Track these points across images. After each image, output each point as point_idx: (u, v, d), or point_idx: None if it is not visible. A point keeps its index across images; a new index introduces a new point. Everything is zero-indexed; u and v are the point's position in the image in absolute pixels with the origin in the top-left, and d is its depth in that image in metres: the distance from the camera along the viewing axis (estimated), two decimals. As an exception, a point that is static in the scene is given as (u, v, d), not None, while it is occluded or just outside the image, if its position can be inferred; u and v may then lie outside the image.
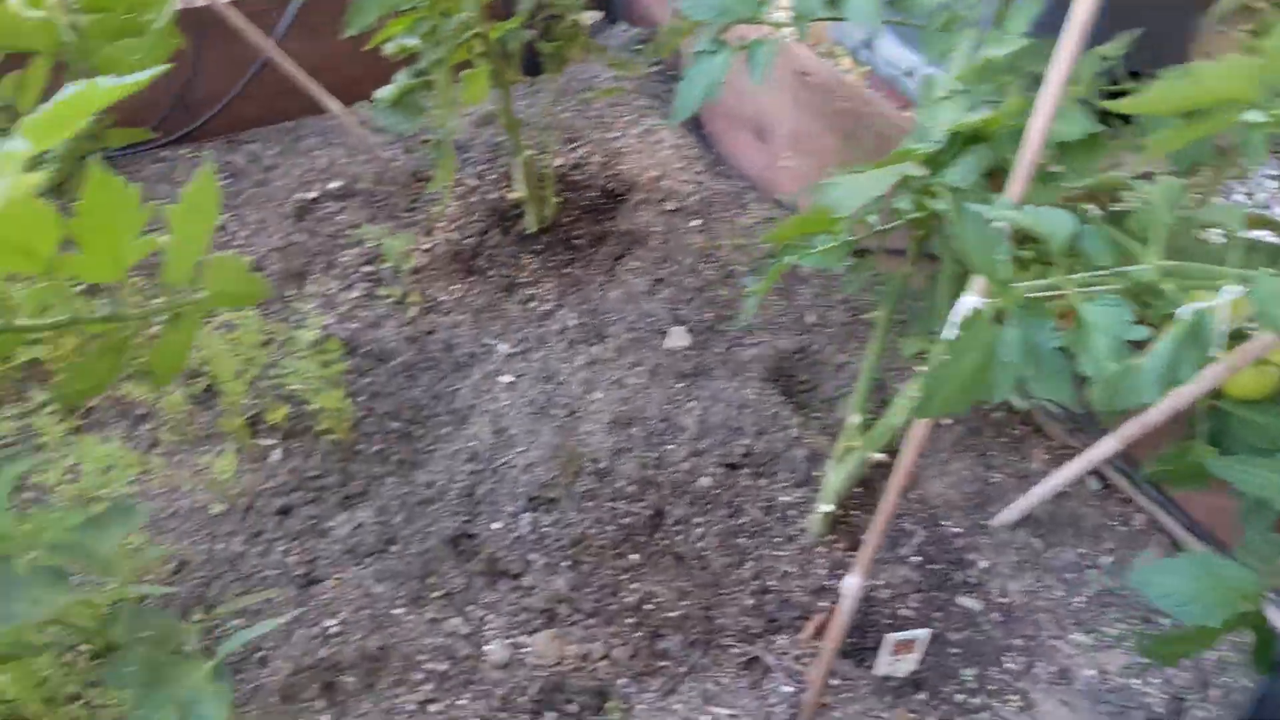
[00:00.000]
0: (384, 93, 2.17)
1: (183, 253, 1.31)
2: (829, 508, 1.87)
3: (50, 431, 1.91)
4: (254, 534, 1.92)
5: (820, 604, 1.82)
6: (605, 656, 1.74)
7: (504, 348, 2.30)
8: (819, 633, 1.75)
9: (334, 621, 1.76)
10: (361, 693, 1.67)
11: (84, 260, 1.22)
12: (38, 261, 1.04)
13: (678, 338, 2.29)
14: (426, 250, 2.53)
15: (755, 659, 1.74)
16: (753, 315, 2.00)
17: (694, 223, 2.58)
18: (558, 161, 2.76)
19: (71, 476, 1.84)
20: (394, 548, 1.89)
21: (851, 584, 1.47)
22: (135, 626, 1.14)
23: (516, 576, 1.87)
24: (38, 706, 1.42)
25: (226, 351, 1.99)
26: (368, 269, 2.49)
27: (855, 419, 1.81)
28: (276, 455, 2.06)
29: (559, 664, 1.73)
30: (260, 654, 1.72)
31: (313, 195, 2.71)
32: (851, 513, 1.97)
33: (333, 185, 2.73)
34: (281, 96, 2.78)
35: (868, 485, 2.01)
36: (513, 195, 2.60)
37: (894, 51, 2.38)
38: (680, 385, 2.20)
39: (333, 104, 2.63)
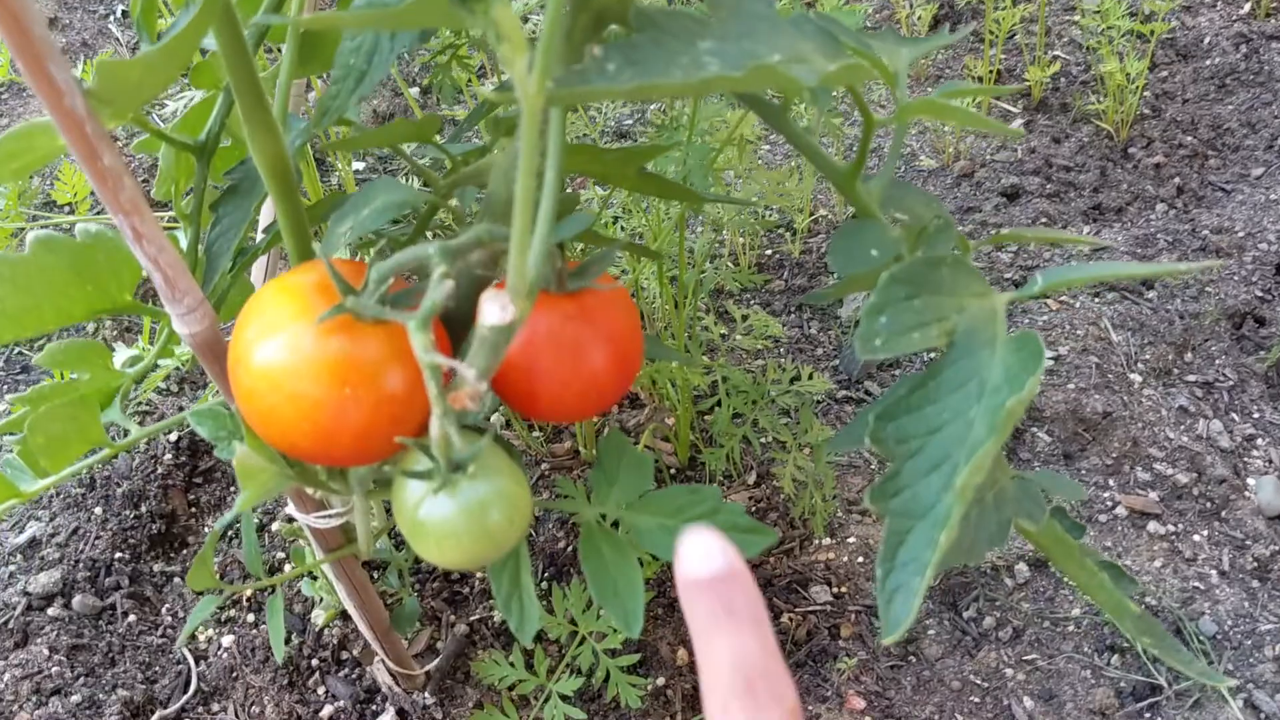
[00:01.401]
0: None
1: None
2: None
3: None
4: (965, 209, 1.44)
5: None
6: None
7: (1384, 89, 1.55)
8: None
9: (1048, 351, 1.26)
10: (1055, 461, 1.18)
11: None
12: None
13: None
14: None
15: None
16: None
17: None
18: None
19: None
20: (1149, 294, 1.33)
21: None
22: (895, 197, 0.68)
23: (1314, 403, 1.24)
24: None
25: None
26: (1200, -65, 1.80)
27: None
28: (1017, 125, 1.55)
29: (1357, 552, 1.11)
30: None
31: None
32: None
33: None
34: None
35: None
36: None
37: None
38: None
39: None
